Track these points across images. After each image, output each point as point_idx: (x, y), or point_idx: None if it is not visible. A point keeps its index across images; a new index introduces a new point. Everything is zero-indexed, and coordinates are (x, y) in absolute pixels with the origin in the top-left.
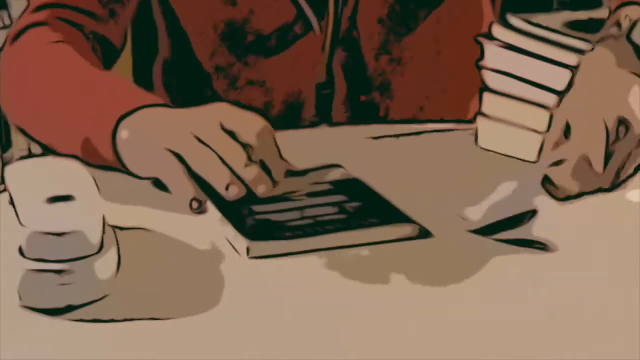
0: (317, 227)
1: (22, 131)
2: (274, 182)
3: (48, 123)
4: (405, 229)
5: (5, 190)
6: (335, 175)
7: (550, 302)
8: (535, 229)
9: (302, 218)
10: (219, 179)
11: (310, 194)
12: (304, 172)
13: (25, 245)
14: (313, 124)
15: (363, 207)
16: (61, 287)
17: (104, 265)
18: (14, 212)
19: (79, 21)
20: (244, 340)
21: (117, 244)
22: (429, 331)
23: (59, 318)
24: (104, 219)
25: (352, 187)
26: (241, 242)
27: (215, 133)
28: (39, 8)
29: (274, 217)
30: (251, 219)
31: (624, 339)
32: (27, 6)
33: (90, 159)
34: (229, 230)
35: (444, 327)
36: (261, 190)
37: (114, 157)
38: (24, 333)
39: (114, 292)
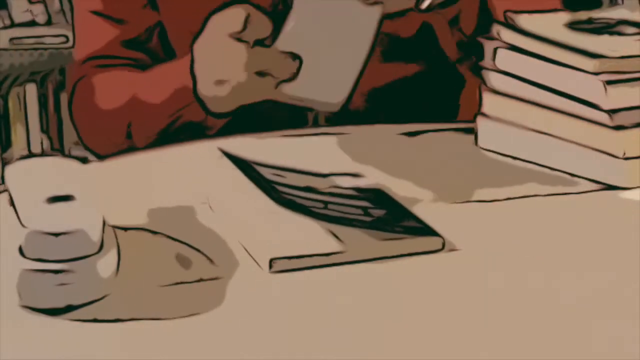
0: (343, 220)
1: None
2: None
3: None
4: (434, 242)
5: (5, 190)
6: (358, 182)
7: (552, 302)
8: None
9: (327, 209)
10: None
11: (334, 194)
12: (325, 175)
13: (25, 245)
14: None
15: (387, 215)
16: (61, 287)
17: (104, 265)
18: (14, 212)
19: (114, 63)
20: (245, 340)
21: (117, 244)
22: (450, 343)
23: (59, 318)
24: (104, 219)
25: (375, 196)
26: (264, 256)
27: (225, 46)
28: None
29: (299, 200)
30: (277, 194)
31: (623, 338)
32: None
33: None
34: (250, 242)
35: (471, 342)
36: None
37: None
38: (24, 333)
39: (114, 292)
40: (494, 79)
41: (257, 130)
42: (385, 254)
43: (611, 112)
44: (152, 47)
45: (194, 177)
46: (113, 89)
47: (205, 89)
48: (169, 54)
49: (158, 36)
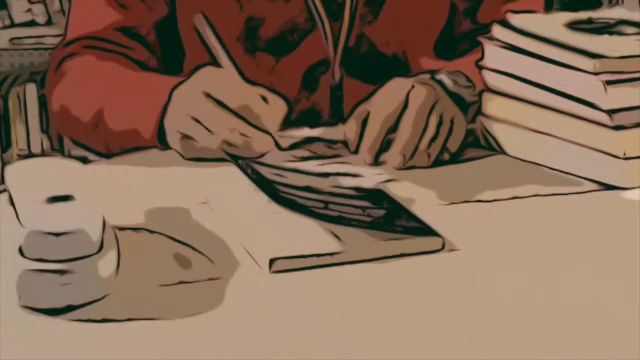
0: (342, 220)
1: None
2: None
3: (105, 127)
4: (434, 242)
5: (5, 190)
6: (358, 182)
7: (551, 302)
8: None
9: (327, 209)
10: (215, 149)
11: (334, 194)
12: (325, 175)
13: (25, 245)
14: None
15: (387, 215)
16: (61, 287)
17: (104, 265)
18: (14, 212)
19: (107, 48)
20: (245, 340)
21: (117, 244)
22: (452, 343)
23: (59, 318)
24: (104, 218)
25: (375, 196)
26: (264, 256)
27: (202, 109)
28: (67, 44)
29: (299, 200)
30: (276, 194)
31: (620, 336)
32: (57, 45)
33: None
34: (250, 242)
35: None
36: (255, 151)
37: (154, 139)
38: (24, 333)
39: (114, 292)
40: (494, 79)
41: None
42: (385, 254)
43: (611, 112)
44: (150, 41)
45: (194, 177)
46: (98, 82)
47: (172, 135)
48: (168, 50)
49: (157, 30)
